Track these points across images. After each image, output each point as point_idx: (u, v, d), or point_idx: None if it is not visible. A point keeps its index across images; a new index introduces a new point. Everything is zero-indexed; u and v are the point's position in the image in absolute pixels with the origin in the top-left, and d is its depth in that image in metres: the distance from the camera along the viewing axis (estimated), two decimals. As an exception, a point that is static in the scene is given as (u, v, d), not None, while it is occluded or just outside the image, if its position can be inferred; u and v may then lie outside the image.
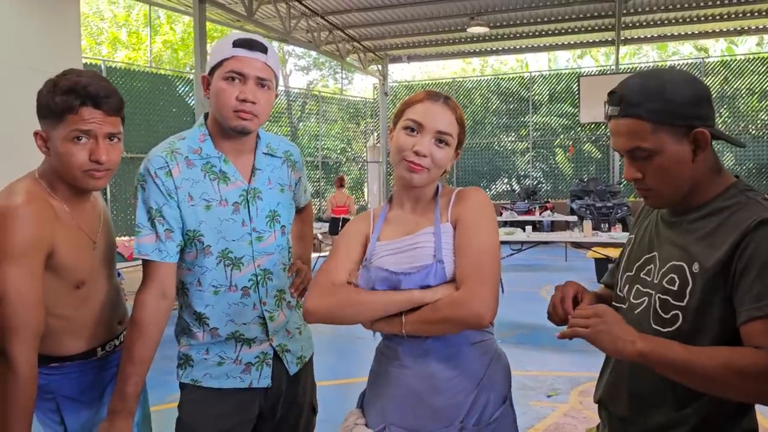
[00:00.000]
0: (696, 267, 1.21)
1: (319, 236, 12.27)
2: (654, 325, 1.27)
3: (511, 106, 16.46)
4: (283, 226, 1.75)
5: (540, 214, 13.02)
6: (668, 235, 1.32)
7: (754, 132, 14.31)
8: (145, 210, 1.59)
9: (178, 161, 1.61)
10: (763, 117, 14.30)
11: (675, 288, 1.24)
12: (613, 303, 1.43)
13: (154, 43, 19.03)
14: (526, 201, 14.58)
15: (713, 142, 1.26)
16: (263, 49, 1.62)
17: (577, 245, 9.48)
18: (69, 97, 1.49)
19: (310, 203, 1.98)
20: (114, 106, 1.55)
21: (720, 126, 11.16)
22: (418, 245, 1.45)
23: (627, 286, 1.38)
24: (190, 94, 12.12)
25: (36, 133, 1.56)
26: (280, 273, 1.75)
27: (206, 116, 1.71)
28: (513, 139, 16.53)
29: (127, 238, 7.37)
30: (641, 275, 1.35)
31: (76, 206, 1.63)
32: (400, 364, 1.44)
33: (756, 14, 13.04)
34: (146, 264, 1.59)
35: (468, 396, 1.41)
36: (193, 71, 12.64)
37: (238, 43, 1.59)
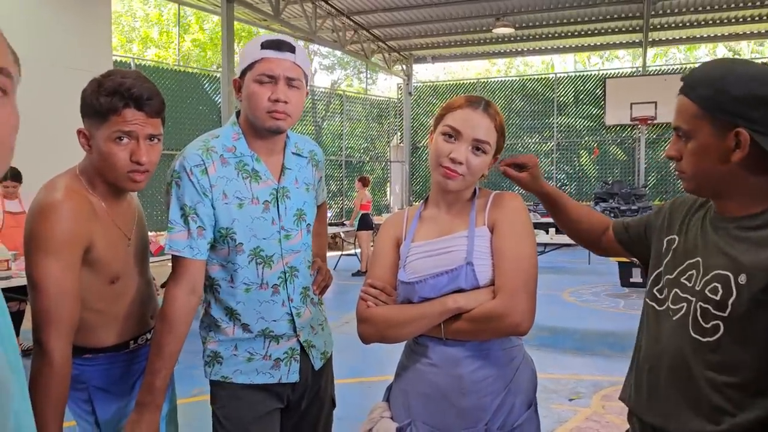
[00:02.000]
0: (743, 278, 1.16)
1: (342, 235, 12.29)
2: (693, 334, 1.23)
3: (536, 108, 16.33)
4: (308, 224, 1.78)
5: (563, 216, 12.88)
6: (715, 240, 1.26)
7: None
8: (179, 206, 1.61)
9: (213, 159, 1.64)
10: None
11: (717, 297, 1.19)
12: (648, 301, 1.39)
13: (183, 42, 19.26)
14: (550, 203, 14.44)
15: None
16: (291, 49, 1.64)
17: (601, 248, 9.37)
18: (113, 98, 1.53)
19: (324, 202, 2.01)
20: (156, 108, 1.59)
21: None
22: (451, 249, 1.46)
23: (666, 289, 1.34)
24: (217, 92, 12.24)
25: (79, 131, 1.61)
26: (305, 270, 1.78)
27: (238, 114, 1.74)
28: (537, 140, 16.41)
29: (153, 233, 7.47)
30: (681, 280, 1.30)
31: (113, 203, 1.67)
32: (430, 362, 1.46)
33: (789, 16, 12.79)
34: (177, 260, 1.62)
35: (495, 399, 1.42)
36: (220, 70, 12.76)
37: (266, 45, 1.62)
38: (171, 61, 17.85)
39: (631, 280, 8.27)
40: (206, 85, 12.74)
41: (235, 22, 10.83)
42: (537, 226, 12.18)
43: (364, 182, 10.51)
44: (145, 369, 1.61)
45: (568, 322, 6.44)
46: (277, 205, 1.70)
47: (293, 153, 1.78)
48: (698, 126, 1.21)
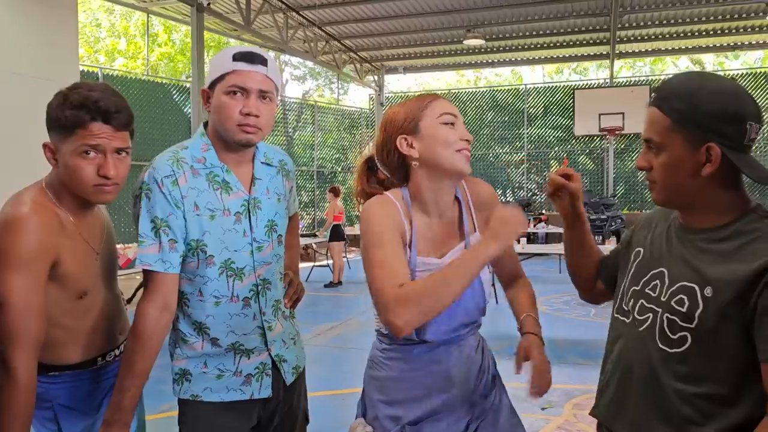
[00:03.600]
0: (708, 291, 1.17)
1: (314, 246, 12.23)
2: (661, 345, 1.24)
3: (506, 118, 16.54)
4: (279, 235, 1.76)
5: (534, 225, 13.06)
6: (681, 251, 1.27)
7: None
8: (150, 219, 1.57)
9: (184, 170, 1.61)
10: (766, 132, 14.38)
11: (684, 309, 1.20)
12: (615, 314, 1.41)
13: (152, 52, 19.06)
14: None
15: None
16: (264, 62, 1.63)
17: (572, 257, 9.48)
18: (80, 111, 1.49)
19: (296, 214, 1.99)
20: (123, 121, 1.56)
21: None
22: None
23: (632, 300, 1.35)
24: (187, 103, 12.11)
25: (45, 145, 1.57)
26: (277, 283, 1.76)
27: (206, 125, 1.71)
28: (508, 150, 16.59)
29: (121, 245, 7.34)
30: (646, 290, 1.31)
31: (80, 217, 1.64)
32: (413, 367, 1.53)
33: (750, 30, 13.17)
34: (149, 275, 1.58)
35: (475, 381, 1.58)
36: (189, 80, 12.63)
37: (238, 57, 1.60)
38: (139, 71, 17.64)
39: (601, 288, 8.37)
40: (175, 96, 12.60)
41: (206, 32, 10.75)
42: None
43: (336, 192, 10.46)
44: (114, 386, 1.56)
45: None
46: (249, 216, 1.68)
47: (262, 163, 1.76)
48: (670, 139, 1.21)
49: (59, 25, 7.27)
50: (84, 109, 1.49)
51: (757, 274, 1.12)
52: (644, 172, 1.30)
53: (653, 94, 1.27)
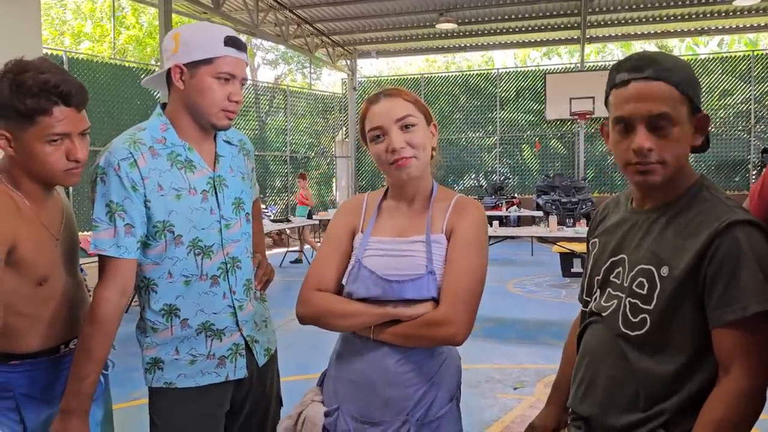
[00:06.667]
0: (665, 271, 1.20)
1: (287, 231, 12.24)
2: (623, 329, 1.27)
3: (479, 103, 16.58)
4: (247, 213, 1.75)
5: (507, 209, 13.17)
6: (638, 235, 1.30)
7: (713, 130, 14.68)
8: (104, 203, 1.54)
9: (142, 151, 1.57)
10: (721, 114, 14.70)
11: (644, 292, 1.23)
12: (583, 308, 1.43)
13: (120, 35, 18.64)
14: (494, 196, 14.71)
15: None
16: (246, 49, 1.66)
17: (543, 240, 9.62)
18: (40, 99, 1.45)
19: (258, 199, 1.97)
20: (82, 101, 1.53)
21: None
22: (410, 253, 1.46)
23: (598, 290, 1.37)
24: (156, 87, 11.90)
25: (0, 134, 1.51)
26: (247, 261, 1.74)
27: (163, 106, 1.69)
28: (480, 135, 16.66)
29: (90, 233, 7.21)
30: (611, 278, 1.34)
31: (39, 201, 1.59)
32: (360, 352, 1.47)
33: (716, 15, 13.38)
34: (104, 260, 1.55)
35: (417, 391, 1.44)
36: (158, 64, 12.41)
37: (229, 42, 1.59)
38: (106, 54, 17.25)
39: (572, 270, 8.51)
40: (144, 80, 12.38)
41: (174, 15, 10.54)
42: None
43: (304, 177, 11.23)
44: (71, 374, 1.53)
45: (513, 313, 6.57)
46: (215, 194, 1.67)
47: (224, 141, 1.76)
48: (682, 111, 1.20)
49: (21, 6, 7.06)
50: (44, 96, 1.45)
51: (705, 245, 1.16)
52: (636, 157, 1.21)
53: (628, 73, 1.22)
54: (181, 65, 1.59)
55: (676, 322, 1.20)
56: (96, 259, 1.58)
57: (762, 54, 15.28)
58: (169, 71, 1.62)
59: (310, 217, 11.20)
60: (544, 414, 1.57)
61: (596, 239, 1.44)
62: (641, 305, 1.24)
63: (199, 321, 1.65)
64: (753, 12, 13.06)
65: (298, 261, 10.87)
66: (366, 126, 1.50)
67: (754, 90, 14.59)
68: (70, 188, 10.01)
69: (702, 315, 1.18)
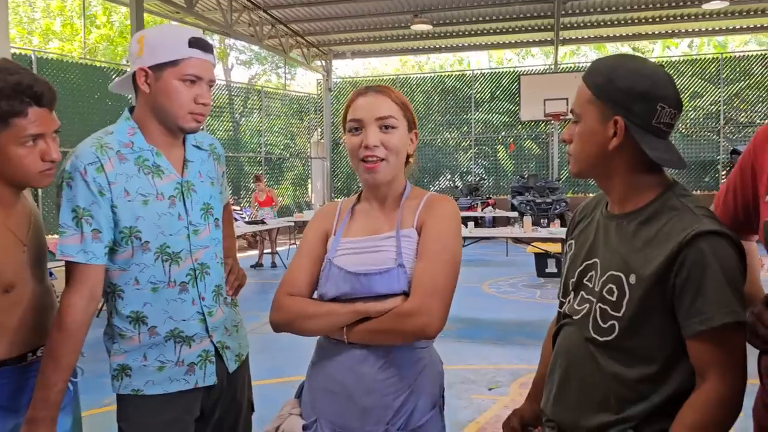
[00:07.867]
0: (633, 278, 1.22)
1: (261, 234, 12.16)
2: (593, 334, 1.28)
3: (454, 104, 16.67)
4: (216, 219, 1.73)
5: (482, 210, 13.24)
6: (609, 240, 1.31)
7: (684, 131, 14.96)
8: (71, 209, 1.51)
9: (109, 156, 1.55)
10: (692, 116, 14.97)
11: (614, 299, 1.25)
12: (559, 309, 1.44)
13: (90, 34, 18.34)
14: (469, 197, 14.80)
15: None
16: (212, 50, 1.63)
17: (518, 240, 9.68)
18: (14, 101, 1.42)
19: (228, 203, 1.95)
20: (53, 100, 1.51)
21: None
22: (380, 248, 1.44)
23: (572, 293, 1.38)
24: (127, 87, 11.74)
25: None
26: (217, 267, 1.72)
27: (131, 110, 1.66)
28: (455, 136, 16.74)
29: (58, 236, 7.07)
30: (584, 281, 1.35)
31: (7, 206, 1.56)
32: (337, 361, 1.44)
33: (686, 18, 13.63)
34: (72, 266, 1.52)
35: (397, 399, 1.40)
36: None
37: (194, 44, 1.57)
38: (76, 54, 16.95)
39: (547, 270, 8.58)
40: (115, 80, 12.20)
41: (146, 15, 10.41)
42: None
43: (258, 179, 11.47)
44: (37, 382, 1.50)
45: (488, 313, 6.60)
46: (183, 199, 1.64)
47: (194, 146, 1.73)
48: (588, 110, 1.28)
49: (-13, 5, 6.90)
50: (18, 98, 1.42)
51: (672, 255, 1.17)
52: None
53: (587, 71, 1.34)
54: (146, 68, 1.57)
55: (644, 330, 1.21)
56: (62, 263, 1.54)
57: (730, 57, 15.61)
58: (134, 75, 1.59)
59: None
60: (522, 407, 1.58)
61: (572, 240, 1.45)
62: (611, 311, 1.25)
63: (168, 328, 1.62)
64: (722, 15, 13.35)
65: (259, 265, 10.51)
66: (348, 115, 1.49)
67: (723, 92, 14.89)
68: (39, 190, 9.82)
69: (673, 322, 1.19)
